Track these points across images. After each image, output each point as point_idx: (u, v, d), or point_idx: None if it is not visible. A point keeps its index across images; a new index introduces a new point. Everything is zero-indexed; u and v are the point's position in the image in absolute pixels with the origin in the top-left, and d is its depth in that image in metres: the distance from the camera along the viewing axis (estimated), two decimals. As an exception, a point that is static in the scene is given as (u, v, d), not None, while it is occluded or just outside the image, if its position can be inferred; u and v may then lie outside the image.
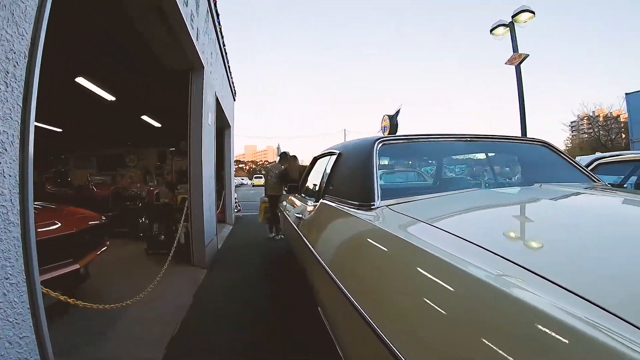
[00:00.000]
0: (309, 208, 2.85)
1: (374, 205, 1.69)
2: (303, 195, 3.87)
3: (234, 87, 10.05)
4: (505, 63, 9.08)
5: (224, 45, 7.47)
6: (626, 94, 15.89)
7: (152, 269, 4.33)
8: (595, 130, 36.47)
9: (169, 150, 13.49)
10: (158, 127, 10.75)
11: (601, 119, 36.42)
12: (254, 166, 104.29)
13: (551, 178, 2.33)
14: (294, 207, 3.76)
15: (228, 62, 8.35)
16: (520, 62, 8.75)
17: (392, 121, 14.93)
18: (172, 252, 4.27)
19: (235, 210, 11.07)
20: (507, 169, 2.70)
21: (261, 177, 67.37)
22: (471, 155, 2.77)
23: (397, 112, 15.33)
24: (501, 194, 1.95)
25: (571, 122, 45.06)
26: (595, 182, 2.45)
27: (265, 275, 4.61)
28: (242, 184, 50.18)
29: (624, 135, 30.44)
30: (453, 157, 2.75)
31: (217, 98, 6.36)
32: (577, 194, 1.80)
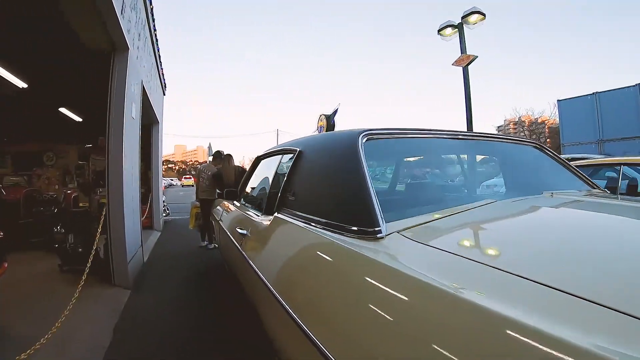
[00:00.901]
0: (256, 222, 2.28)
1: (380, 232, 1.16)
2: (244, 203, 3.28)
3: (164, 79, 9.08)
4: (453, 64, 9.08)
5: (154, 30, 6.60)
6: (558, 100, 16.98)
7: (65, 291, 3.53)
8: (521, 135, 38.65)
9: (86, 147, 11.77)
10: (79, 122, 9.35)
11: (526, 124, 39.20)
12: (183, 166, 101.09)
13: (551, 184, 2.03)
14: (233, 217, 3.18)
15: (159, 51, 7.44)
16: (469, 64, 8.77)
17: (330, 121, 14.71)
18: (87, 270, 3.47)
19: (164, 215, 10.06)
20: (505, 172, 2.33)
21: (191, 178, 65.18)
22: (464, 156, 2.35)
23: (335, 112, 15.11)
24: (532, 209, 1.52)
25: (498, 127, 47.75)
26: (594, 188, 2.20)
27: (201, 295, 3.93)
28: (171, 185, 49.22)
29: (548, 140, 33.00)
30: (447, 158, 2.30)
31: (143, 88, 5.52)
32: (612, 206, 1.48)
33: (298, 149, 2.08)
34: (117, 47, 4.09)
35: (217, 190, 6.11)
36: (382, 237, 1.15)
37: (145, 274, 4.77)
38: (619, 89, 14.83)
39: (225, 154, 6.52)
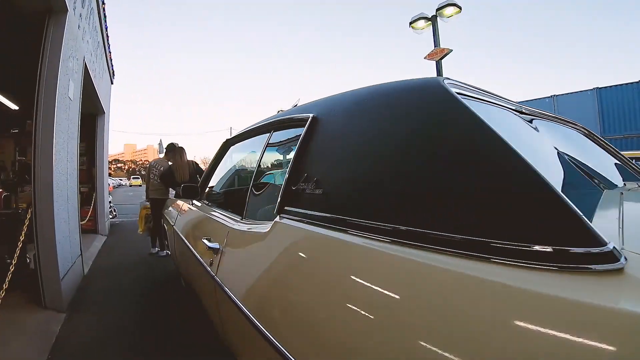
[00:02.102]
0: (237, 232, 1.62)
1: (616, 258, 0.53)
2: (209, 203, 2.59)
3: (112, 65, 8.04)
4: (425, 58, 8.72)
5: (103, 4, 5.69)
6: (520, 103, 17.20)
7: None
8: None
9: (12, 132, 9.76)
10: (15, 110, 7.89)
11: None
12: (133, 166, 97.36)
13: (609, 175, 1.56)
14: (194, 222, 2.51)
15: (107, 30, 6.47)
16: (442, 58, 8.44)
17: None
18: (5, 286, 2.65)
19: (110, 217, 9.00)
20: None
21: (139, 177, 62.35)
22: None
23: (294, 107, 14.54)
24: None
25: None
26: None
27: (154, 319, 3.15)
28: (120, 185, 47.92)
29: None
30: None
31: (86, 68, 4.62)
32: None
33: (312, 115, 1.41)
34: (53, 6, 3.24)
35: (175, 189, 5.31)
36: (621, 269, 0.53)
37: (86, 290, 3.89)
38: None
39: (178, 146, 5.66)
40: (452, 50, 8.53)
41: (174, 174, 5.20)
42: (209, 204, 2.55)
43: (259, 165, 1.94)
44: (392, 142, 0.98)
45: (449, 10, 8.16)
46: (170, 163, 5.44)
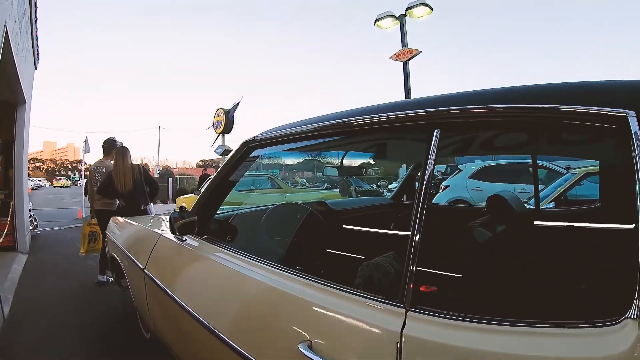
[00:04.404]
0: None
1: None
2: (228, 247, 1.71)
3: (37, 46, 6.65)
4: (391, 58, 8.34)
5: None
6: None
7: None
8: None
9: None
10: None
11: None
12: (52, 165, 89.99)
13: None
14: (204, 282, 1.69)
15: (36, 4, 5.23)
16: (410, 59, 8.06)
17: (228, 116, 13.22)
18: None
19: (31, 227, 7.49)
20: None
21: (61, 178, 57.37)
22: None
23: (236, 106, 13.69)
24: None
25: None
26: None
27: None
28: (39, 187, 44.98)
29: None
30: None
31: (7, 36, 3.47)
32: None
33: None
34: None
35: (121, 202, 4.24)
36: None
37: (10, 350, 2.74)
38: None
39: (119, 146, 4.51)
40: (420, 51, 8.23)
41: (113, 181, 4.13)
42: (228, 248, 1.68)
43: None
44: None
45: (420, 11, 7.78)
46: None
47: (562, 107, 0.89)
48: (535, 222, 2.02)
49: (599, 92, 0.91)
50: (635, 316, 0.71)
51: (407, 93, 8.18)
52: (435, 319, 0.89)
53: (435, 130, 1.08)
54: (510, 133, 1.21)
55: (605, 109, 0.82)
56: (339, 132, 1.47)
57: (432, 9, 7.89)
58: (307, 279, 1.22)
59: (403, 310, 0.94)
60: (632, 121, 0.78)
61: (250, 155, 1.85)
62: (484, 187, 7.76)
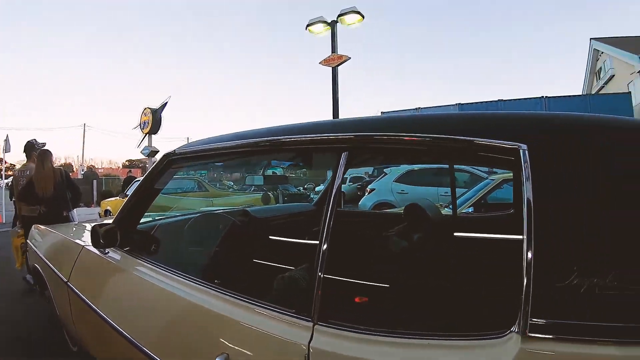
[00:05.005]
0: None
1: None
2: (152, 261, 1.66)
3: None
4: (321, 63, 8.54)
5: None
6: (381, 112, 18.58)
7: None
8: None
9: None
10: None
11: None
12: (-47, 166, 79.72)
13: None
14: (125, 297, 1.66)
15: None
16: (339, 64, 8.31)
17: (156, 116, 12.67)
18: None
19: None
20: None
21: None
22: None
23: (164, 106, 13.16)
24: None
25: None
26: None
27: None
28: None
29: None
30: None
31: None
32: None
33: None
34: None
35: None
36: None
37: None
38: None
39: (39, 148, 4.18)
40: (350, 57, 8.50)
41: (33, 186, 3.87)
42: (149, 261, 1.63)
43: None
44: None
45: (351, 18, 8.05)
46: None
47: (464, 138, 1.01)
48: (449, 232, 2.12)
49: (499, 124, 1.05)
50: (517, 330, 0.77)
51: (335, 98, 8.40)
52: (341, 332, 0.95)
53: (344, 153, 1.17)
54: (412, 156, 1.35)
55: (503, 142, 0.95)
56: (259, 150, 1.50)
57: (363, 17, 8.16)
58: (225, 293, 1.24)
59: (311, 324, 0.98)
60: (523, 153, 0.91)
61: (172, 168, 1.85)
62: (408, 190, 8.05)
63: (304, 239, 2.01)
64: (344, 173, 1.17)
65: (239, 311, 1.15)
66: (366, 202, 8.44)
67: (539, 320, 0.76)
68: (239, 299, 1.19)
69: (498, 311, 0.90)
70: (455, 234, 2.16)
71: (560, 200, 0.84)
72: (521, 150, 0.91)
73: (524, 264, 0.80)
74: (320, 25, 8.51)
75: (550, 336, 0.75)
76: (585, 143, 0.92)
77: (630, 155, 0.89)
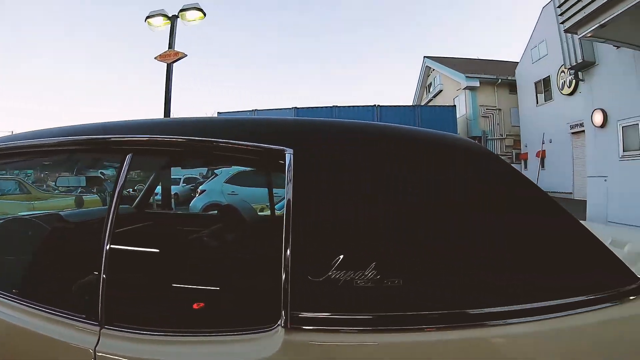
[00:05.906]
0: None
1: None
2: None
3: None
4: (156, 58, 8.25)
5: None
6: (218, 112, 18.24)
7: None
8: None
9: None
10: None
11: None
12: None
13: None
14: None
15: None
16: (175, 61, 8.14)
17: None
18: None
19: None
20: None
21: None
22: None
23: None
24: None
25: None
26: None
27: None
28: None
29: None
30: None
31: None
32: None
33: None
34: None
35: None
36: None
37: None
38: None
39: None
40: (186, 55, 8.36)
41: None
42: None
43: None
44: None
45: (192, 14, 7.96)
46: None
47: (232, 142, 1.08)
48: (260, 233, 2.09)
49: (269, 130, 1.15)
50: (282, 324, 0.85)
51: (168, 94, 8.14)
52: (127, 334, 0.97)
53: (128, 155, 1.18)
54: (194, 159, 1.47)
55: (272, 146, 1.03)
56: (54, 151, 1.41)
57: (205, 15, 8.10)
58: (21, 303, 1.16)
59: (98, 328, 0.99)
60: (288, 157, 0.99)
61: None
62: (239, 191, 8.06)
63: (99, 243, 1.85)
64: (127, 174, 1.16)
65: (35, 320, 1.09)
66: (197, 203, 8.33)
67: (299, 313, 0.85)
68: (35, 308, 1.12)
69: (270, 307, 0.93)
70: (261, 234, 2.07)
71: (318, 200, 0.94)
72: (287, 154, 0.99)
73: (282, 261, 0.88)
74: (160, 19, 8.18)
75: (310, 327, 0.85)
76: (345, 149, 1.04)
77: (392, 161, 1.03)
